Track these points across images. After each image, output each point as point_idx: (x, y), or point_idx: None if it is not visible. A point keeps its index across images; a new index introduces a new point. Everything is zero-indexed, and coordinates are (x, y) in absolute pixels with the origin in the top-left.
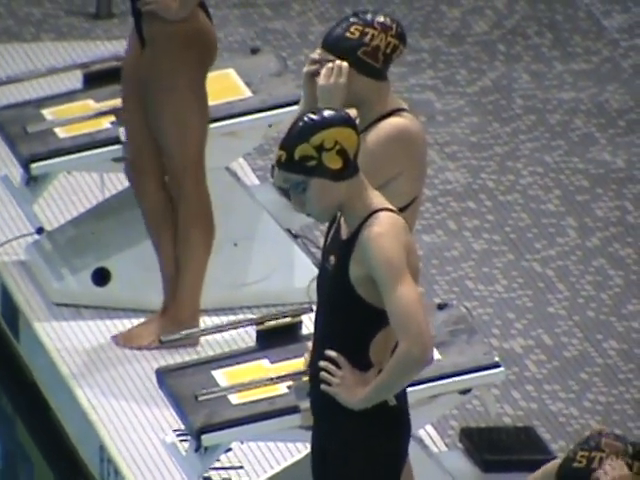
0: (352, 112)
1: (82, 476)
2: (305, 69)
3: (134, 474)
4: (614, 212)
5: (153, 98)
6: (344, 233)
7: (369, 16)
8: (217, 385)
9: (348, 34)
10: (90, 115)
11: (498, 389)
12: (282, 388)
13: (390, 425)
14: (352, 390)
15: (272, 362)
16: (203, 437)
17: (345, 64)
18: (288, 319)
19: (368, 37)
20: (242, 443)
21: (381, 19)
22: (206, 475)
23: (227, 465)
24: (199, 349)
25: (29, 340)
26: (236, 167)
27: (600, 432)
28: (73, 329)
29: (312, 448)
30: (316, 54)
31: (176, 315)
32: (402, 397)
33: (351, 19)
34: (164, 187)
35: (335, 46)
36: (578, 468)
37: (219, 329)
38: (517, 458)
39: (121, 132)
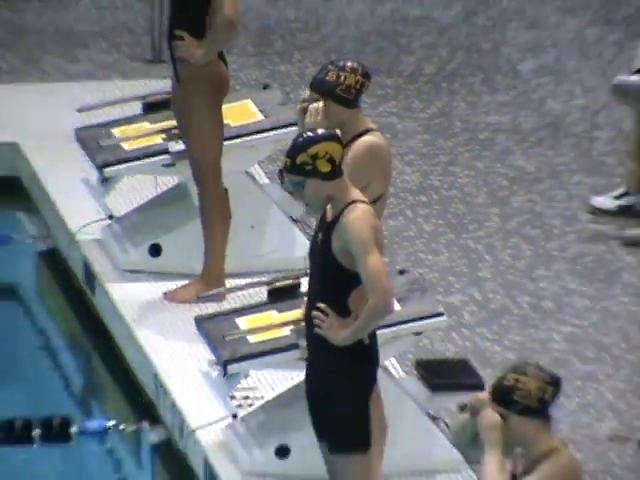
0: (337, 131)
1: (142, 397)
2: (297, 107)
3: (179, 395)
4: (526, 204)
5: (184, 120)
6: (329, 217)
7: (342, 62)
8: (239, 328)
9: (327, 77)
10: (147, 133)
11: (442, 332)
12: (286, 331)
13: (364, 357)
14: (336, 331)
15: (279, 312)
16: (228, 367)
17: (321, 105)
18: (290, 281)
19: (342, 78)
20: (257, 371)
21: (350, 64)
22: (231, 394)
23: (246, 387)
24: (225, 303)
25: (102, 295)
26: (252, 171)
27: (527, 363)
28: (134, 288)
29: (306, 375)
30: (305, 94)
31: (208, 279)
32: (372, 337)
33: (329, 66)
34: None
35: (319, 87)
36: (507, 385)
37: (239, 288)
38: (456, 382)
39: (169, 145)
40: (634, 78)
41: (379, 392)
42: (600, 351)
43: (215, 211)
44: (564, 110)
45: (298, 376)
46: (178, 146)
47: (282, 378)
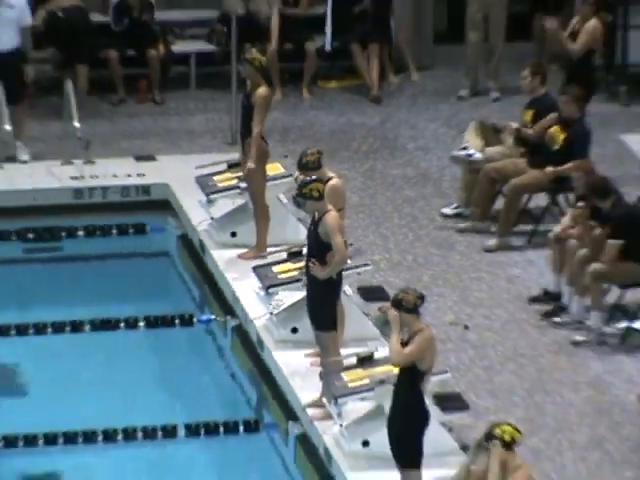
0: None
1: (226, 305)
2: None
3: (245, 300)
4: (410, 210)
5: (248, 172)
6: (316, 217)
7: (309, 150)
8: (273, 272)
9: (303, 160)
10: (229, 178)
11: (378, 272)
12: (296, 272)
13: (334, 284)
14: (320, 271)
15: (293, 263)
16: (269, 290)
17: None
18: (297, 249)
19: (310, 157)
20: (282, 291)
21: (312, 150)
22: (269, 303)
23: (276, 299)
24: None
25: (208, 256)
26: (280, 196)
27: (408, 287)
28: (223, 252)
29: (307, 292)
30: (296, 173)
31: (258, 248)
32: (338, 274)
33: (302, 155)
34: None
35: (301, 167)
36: (399, 298)
37: (272, 253)
38: (380, 295)
39: (240, 184)
40: (460, 153)
41: (342, 307)
42: None
43: (261, 216)
44: (429, 166)
45: (302, 294)
46: (243, 184)
47: (292, 296)
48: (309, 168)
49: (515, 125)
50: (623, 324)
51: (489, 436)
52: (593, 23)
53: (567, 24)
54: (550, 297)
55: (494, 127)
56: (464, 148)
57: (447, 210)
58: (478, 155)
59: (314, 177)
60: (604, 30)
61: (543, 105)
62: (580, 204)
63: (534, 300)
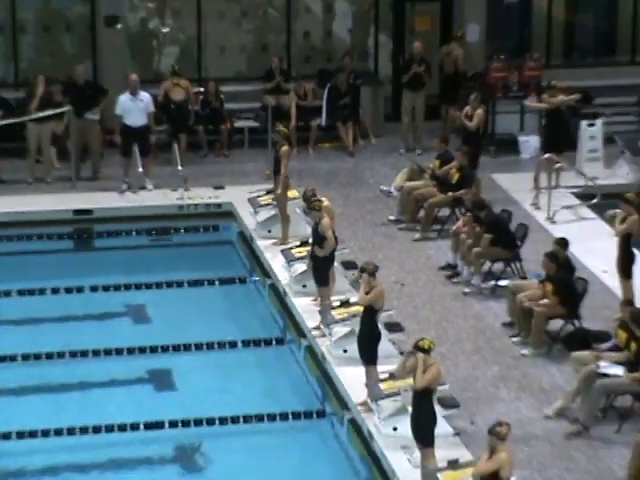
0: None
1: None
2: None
3: (277, 273)
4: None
5: (277, 196)
6: (317, 221)
7: (310, 194)
8: (292, 253)
9: (305, 195)
10: (267, 198)
11: (352, 253)
12: (305, 253)
13: (328, 260)
14: (320, 252)
15: (303, 247)
16: (290, 263)
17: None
18: (305, 240)
19: (309, 193)
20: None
21: (310, 190)
22: (290, 273)
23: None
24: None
25: (255, 245)
26: (297, 209)
27: (367, 262)
28: (266, 242)
29: (312, 266)
30: (303, 205)
31: (283, 239)
32: (331, 254)
33: (309, 195)
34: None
35: (305, 200)
36: (366, 267)
37: (291, 242)
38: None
39: (273, 202)
40: (383, 188)
41: (333, 269)
42: None
43: (285, 220)
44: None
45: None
46: (275, 202)
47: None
48: (310, 207)
49: (430, 167)
50: (492, 282)
51: (415, 346)
52: (480, 111)
53: (461, 110)
54: (451, 267)
55: (420, 168)
56: (386, 188)
57: (392, 217)
58: (393, 190)
59: (318, 198)
60: (485, 115)
61: (445, 157)
62: (468, 214)
63: (442, 268)
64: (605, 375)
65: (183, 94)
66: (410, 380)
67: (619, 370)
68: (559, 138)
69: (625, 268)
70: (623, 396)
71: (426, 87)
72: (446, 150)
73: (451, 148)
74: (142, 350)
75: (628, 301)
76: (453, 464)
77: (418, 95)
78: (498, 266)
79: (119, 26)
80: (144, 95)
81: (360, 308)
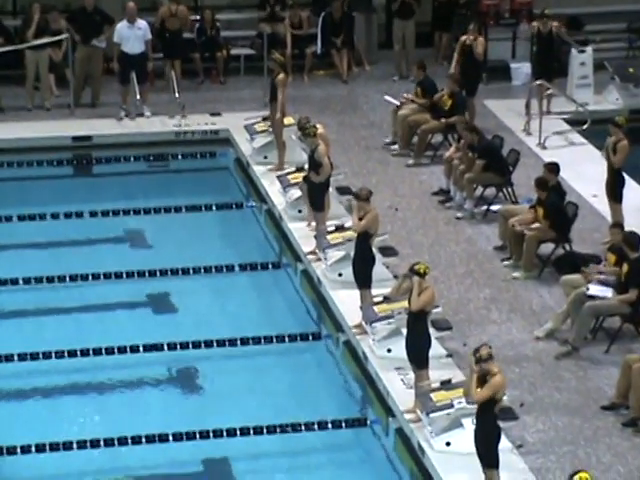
0: None
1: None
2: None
3: (272, 196)
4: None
5: (274, 123)
6: (313, 148)
7: (305, 121)
8: (288, 179)
9: (305, 131)
10: (264, 125)
11: (346, 179)
12: (299, 179)
13: (323, 185)
14: (315, 178)
15: (299, 173)
16: (286, 189)
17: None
18: (301, 166)
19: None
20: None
21: None
22: (287, 200)
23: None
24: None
25: (252, 171)
26: (292, 135)
27: (361, 188)
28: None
29: (308, 191)
30: (298, 133)
31: (279, 164)
32: (327, 180)
33: (304, 122)
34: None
35: (299, 128)
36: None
37: (287, 168)
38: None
39: (269, 129)
40: (387, 98)
41: (328, 194)
42: None
43: (281, 147)
44: (375, 118)
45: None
46: (271, 129)
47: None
48: (305, 134)
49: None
50: (484, 207)
51: (411, 269)
52: (482, 39)
53: (456, 40)
54: (443, 192)
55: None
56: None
57: (386, 140)
58: (395, 101)
59: (313, 124)
60: (485, 45)
61: (425, 84)
62: (461, 140)
63: (435, 193)
64: (594, 297)
65: (179, 23)
66: (404, 303)
67: (608, 292)
68: (550, 65)
69: (615, 192)
70: (612, 317)
71: (417, 15)
72: (425, 76)
73: (439, 76)
74: (141, 274)
75: (618, 224)
76: (446, 384)
77: (408, 23)
78: (490, 191)
79: None
80: (141, 23)
81: (355, 233)
